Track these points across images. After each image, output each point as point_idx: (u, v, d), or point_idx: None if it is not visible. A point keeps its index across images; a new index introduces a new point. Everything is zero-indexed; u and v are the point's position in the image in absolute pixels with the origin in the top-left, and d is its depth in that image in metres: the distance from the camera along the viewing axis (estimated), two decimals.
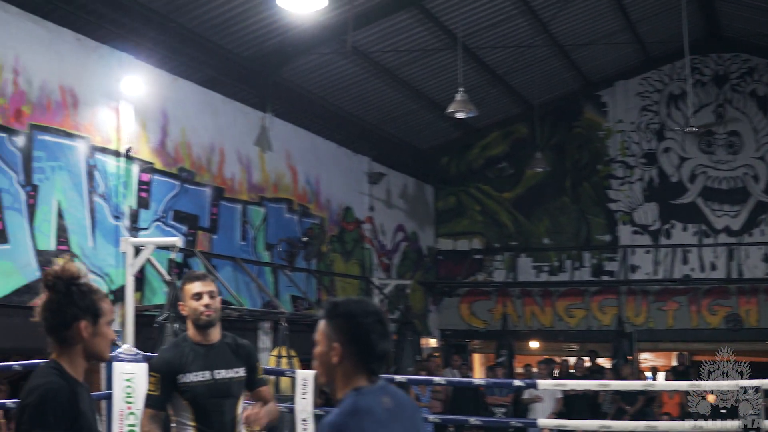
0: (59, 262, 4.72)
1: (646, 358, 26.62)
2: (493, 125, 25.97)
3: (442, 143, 26.11)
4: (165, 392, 6.64)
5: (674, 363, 22.83)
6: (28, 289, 12.11)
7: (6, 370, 11.33)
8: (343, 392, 4.06)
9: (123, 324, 13.64)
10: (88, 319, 4.53)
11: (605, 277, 25.03)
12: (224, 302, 6.72)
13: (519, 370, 23.31)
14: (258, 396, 6.92)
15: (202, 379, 6.63)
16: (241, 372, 6.75)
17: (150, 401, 6.70)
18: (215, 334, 6.78)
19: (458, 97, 17.52)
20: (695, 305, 24.07)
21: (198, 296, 6.68)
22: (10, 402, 10.07)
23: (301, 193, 19.63)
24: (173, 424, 6.73)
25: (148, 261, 14.11)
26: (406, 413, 4.15)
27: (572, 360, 22.40)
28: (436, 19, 18.73)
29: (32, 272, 12.21)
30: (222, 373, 6.69)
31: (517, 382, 12.56)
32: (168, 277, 13.87)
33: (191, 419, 6.64)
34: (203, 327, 6.72)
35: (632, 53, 24.42)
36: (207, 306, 6.67)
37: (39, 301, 4.58)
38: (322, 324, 4.11)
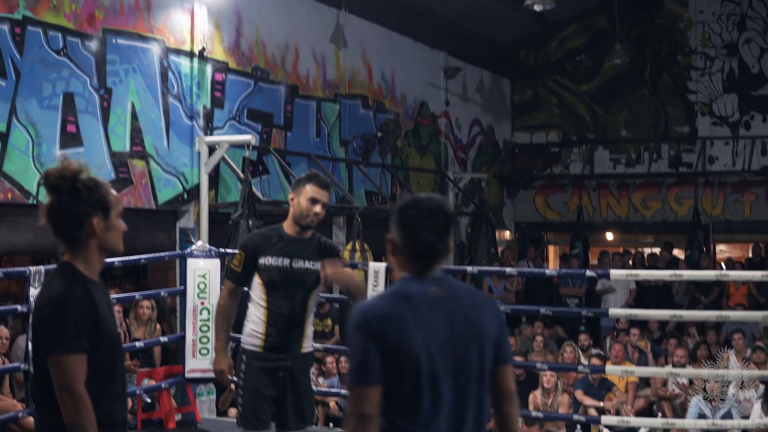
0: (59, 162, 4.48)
1: (722, 250, 26.57)
2: (572, 18, 25.65)
3: (520, 37, 25.85)
4: (246, 270, 7.17)
5: (750, 255, 22.75)
6: None
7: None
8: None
9: (197, 222, 14.04)
10: (99, 215, 4.43)
11: (683, 169, 24.85)
12: None
13: (593, 261, 23.48)
14: None
15: (279, 264, 7.07)
16: (317, 266, 7.07)
17: (231, 275, 7.33)
18: (308, 233, 7.21)
19: None
20: None
21: (314, 201, 7.06)
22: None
23: (376, 89, 19.73)
24: (250, 302, 7.23)
25: (223, 159, 14.38)
26: (458, 304, 4.12)
27: (647, 252, 22.46)
28: None
29: (107, 174, 12.49)
30: (300, 263, 7.10)
31: (589, 273, 12.76)
32: (242, 175, 14.05)
33: (264, 300, 7.11)
34: (302, 227, 7.16)
35: None
36: (316, 214, 7.09)
37: (44, 204, 4.46)
38: None
